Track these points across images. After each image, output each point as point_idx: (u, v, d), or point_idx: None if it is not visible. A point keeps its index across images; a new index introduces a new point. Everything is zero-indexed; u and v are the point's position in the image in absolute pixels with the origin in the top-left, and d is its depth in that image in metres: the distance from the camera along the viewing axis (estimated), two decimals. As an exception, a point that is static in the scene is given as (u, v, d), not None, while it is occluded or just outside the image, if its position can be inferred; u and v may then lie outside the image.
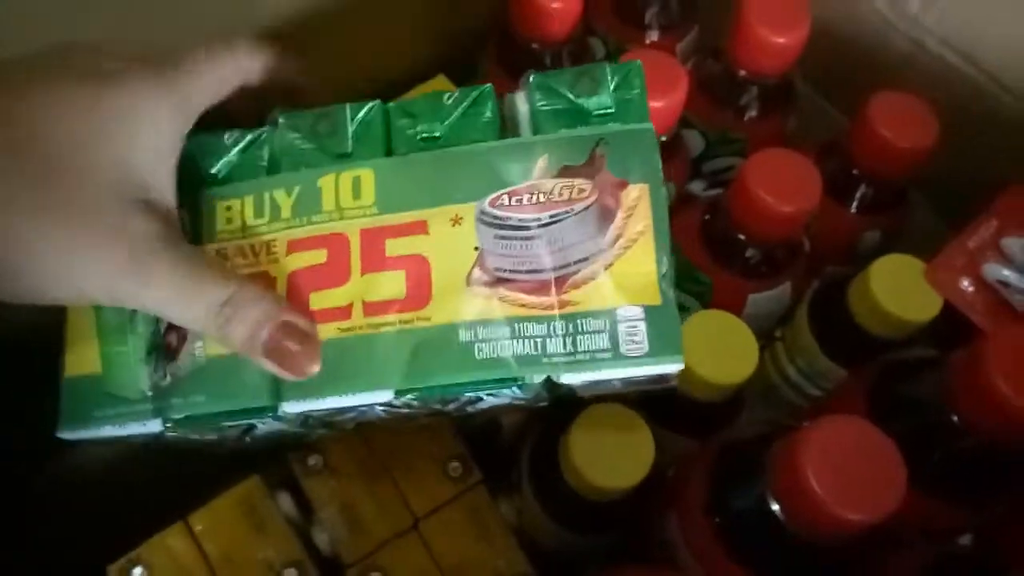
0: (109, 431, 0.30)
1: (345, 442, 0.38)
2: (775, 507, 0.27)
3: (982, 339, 0.28)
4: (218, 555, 0.36)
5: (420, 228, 0.28)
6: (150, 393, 0.29)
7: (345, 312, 0.28)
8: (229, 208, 0.30)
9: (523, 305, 0.27)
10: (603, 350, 0.26)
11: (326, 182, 0.29)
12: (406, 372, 0.27)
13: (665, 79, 0.39)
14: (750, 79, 0.44)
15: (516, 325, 0.27)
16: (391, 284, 0.28)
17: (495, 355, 0.27)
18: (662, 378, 0.28)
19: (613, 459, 0.32)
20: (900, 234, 0.43)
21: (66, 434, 0.30)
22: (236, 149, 0.30)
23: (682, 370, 0.34)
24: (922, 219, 0.44)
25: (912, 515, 0.29)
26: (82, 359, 0.30)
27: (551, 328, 0.26)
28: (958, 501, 0.31)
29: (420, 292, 0.28)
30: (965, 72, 0.42)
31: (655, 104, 0.39)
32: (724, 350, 0.34)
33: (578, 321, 0.26)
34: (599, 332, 0.26)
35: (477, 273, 0.27)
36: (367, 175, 0.29)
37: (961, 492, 0.31)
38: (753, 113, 0.46)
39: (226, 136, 0.30)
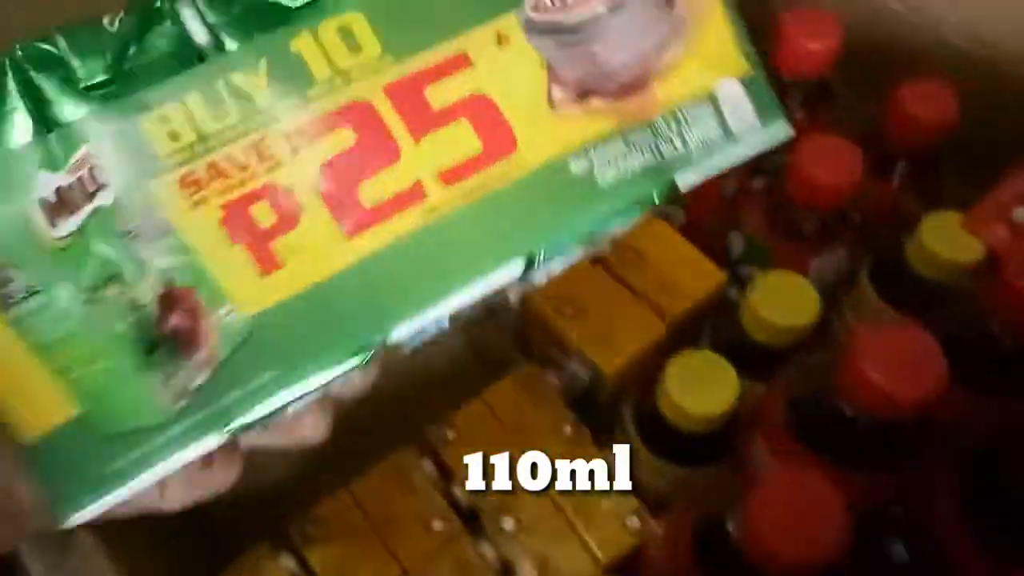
0: (137, 483, 0.22)
1: (475, 416, 0.45)
2: (842, 401, 0.32)
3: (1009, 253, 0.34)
4: (378, 514, 0.43)
5: (462, 62, 0.23)
6: (181, 404, 0.22)
7: (416, 193, 0.23)
8: (165, 119, 0.21)
9: (621, 112, 0.24)
10: (715, 135, 0.24)
11: (303, 44, 0.22)
12: (529, 229, 0.23)
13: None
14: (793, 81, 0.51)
15: (629, 136, 0.23)
16: (459, 140, 0.23)
17: (621, 174, 0.23)
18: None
19: (704, 392, 0.38)
20: (938, 204, 0.48)
21: (74, 517, 0.22)
22: (133, 37, 0.21)
23: (757, 320, 0.40)
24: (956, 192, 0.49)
25: (963, 413, 0.35)
26: (41, 408, 0.21)
27: (656, 129, 0.24)
28: (1000, 396, 0.36)
29: (499, 137, 0.23)
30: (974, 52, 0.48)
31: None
32: (789, 300, 0.40)
33: (680, 114, 0.24)
34: (705, 118, 0.24)
35: (558, 92, 0.23)
36: (356, 19, 0.23)
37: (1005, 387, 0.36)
38: (799, 113, 0.52)
39: (106, 21, 0.22)
